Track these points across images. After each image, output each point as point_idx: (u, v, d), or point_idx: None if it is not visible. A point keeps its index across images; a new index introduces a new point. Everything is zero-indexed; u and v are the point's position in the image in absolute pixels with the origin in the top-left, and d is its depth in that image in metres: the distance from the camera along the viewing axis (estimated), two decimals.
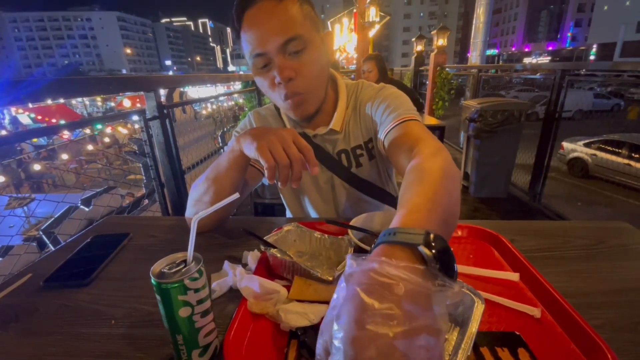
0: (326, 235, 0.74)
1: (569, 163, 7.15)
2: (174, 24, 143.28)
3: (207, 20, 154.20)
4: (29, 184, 8.23)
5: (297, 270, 0.66)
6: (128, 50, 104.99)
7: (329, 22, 11.57)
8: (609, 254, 0.77)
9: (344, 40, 10.99)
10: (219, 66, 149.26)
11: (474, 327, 0.40)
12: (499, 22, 70.01)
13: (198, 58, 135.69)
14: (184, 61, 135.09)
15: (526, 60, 57.84)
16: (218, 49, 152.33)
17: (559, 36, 60.07)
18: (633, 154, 5.76)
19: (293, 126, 1.01)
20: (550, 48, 60.74)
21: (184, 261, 0.47)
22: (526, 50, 64.45)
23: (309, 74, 0.82)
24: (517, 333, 0.53)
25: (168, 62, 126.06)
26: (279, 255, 0.67)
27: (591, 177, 6.70)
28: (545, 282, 0.61)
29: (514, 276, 0.67)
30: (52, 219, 4.82)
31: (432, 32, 6.84)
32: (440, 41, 6.50)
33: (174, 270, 0.46)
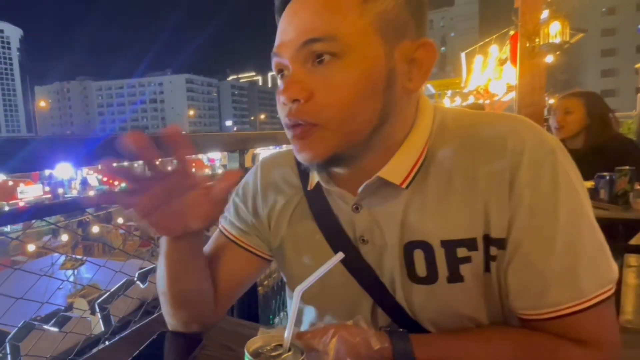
0: None
1: None
2: (241, 80, 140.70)
3: None
4: (82, 246, 8.83)
5: None
6: (190, 112, 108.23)
7: (462, 55, 8.39)
8: None
9: (487, 77, 7.15)
10: None
11: None
12: None
13: (262, 116, 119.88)
14: (245, 120, 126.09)
15: None
16: None
17: None
18: None
19: (325, 182, 0.60)
20: None
21: (280, 345, 0.40)
22: None
23: (331, 96, 0.51)
24: None
25: (229, 123, 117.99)
26: None
27: None
28: None
29: None
30: (107, 292, 4.75)
31: None
32: None
33: (273, 353, 0.40)
